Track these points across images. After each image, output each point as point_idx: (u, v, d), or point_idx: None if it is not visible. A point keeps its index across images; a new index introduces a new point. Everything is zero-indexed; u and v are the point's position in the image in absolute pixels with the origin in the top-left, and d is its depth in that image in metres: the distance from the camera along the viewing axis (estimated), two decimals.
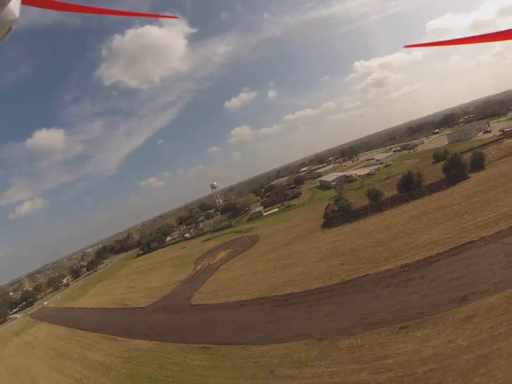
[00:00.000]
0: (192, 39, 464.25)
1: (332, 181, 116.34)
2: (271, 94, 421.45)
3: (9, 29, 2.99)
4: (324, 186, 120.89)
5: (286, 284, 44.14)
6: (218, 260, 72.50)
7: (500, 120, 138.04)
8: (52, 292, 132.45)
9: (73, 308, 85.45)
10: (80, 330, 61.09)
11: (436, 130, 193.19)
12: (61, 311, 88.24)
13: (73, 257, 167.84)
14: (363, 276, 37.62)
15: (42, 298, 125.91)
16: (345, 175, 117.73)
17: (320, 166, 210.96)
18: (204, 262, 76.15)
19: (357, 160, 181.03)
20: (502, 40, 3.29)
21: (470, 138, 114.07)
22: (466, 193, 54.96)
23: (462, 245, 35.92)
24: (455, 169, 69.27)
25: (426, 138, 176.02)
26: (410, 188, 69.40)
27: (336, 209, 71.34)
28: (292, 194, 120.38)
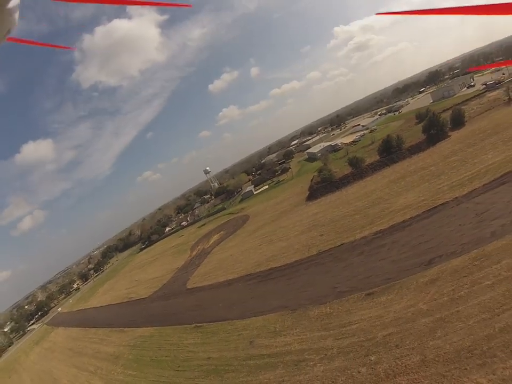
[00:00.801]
0: (165, 26, 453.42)
1: (318, 152, 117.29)
2: (254, 70, 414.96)
3: (8, 31, 2.96)
4: (311, 158, 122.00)
5: (269, 259, 46.61)
6: (211, 243, 75.45)
7: (484, 73, 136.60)
8: (64, 298, 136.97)
9: (84, 309, 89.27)
10: (92, 328, 64.70)
11: (422, 89, 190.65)
12: (74, 314, 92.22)
13: (81, 262, 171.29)
14: (339, 245, 39.26)
15: (56, 305, 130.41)
16: (330, 145, 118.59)
17: (309, 137, 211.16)
18: (199, 247, 79.24)
19: (344, 128, 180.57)
20: (487, 14, 2.78)
21: (454, 95, 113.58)
22: (445, 152, 55.66)
23: (435, 207, 36.79)
24: (434, 129, 69.29)
25: (412, 98, 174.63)
26: (391, 151, 69.58)
27: (319, 180, 73.34)
28: (280, 170, 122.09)
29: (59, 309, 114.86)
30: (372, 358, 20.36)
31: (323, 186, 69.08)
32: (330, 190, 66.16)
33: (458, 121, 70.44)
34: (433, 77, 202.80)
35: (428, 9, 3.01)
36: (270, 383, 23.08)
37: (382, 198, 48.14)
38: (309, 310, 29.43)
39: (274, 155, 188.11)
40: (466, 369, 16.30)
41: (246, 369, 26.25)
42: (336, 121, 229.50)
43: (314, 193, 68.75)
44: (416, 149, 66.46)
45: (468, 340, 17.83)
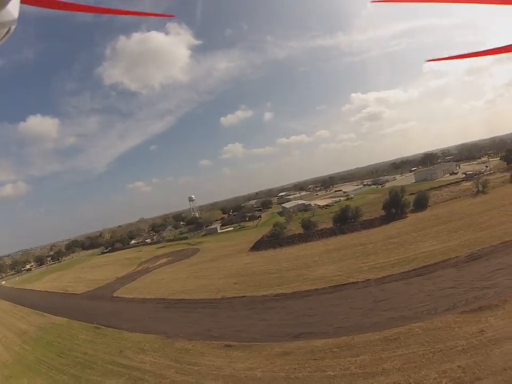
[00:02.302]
0: (196, 51, 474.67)
1: (290, 208, 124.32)
2: (267, 115, 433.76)
3: (8, 30, 2.93)
4: (283, 212, 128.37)
5: (184, 291, 51.78)
6: (157, 264, 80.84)
7: (471, 163, 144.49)
8: (14, 274, 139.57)
9: (24, 289, 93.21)
10: (20, 306, 68.86)
11: (413, 168, 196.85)
12: (14, 290, 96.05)
13: (46, 247, 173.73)
14: (241, 296, 43.03)
15: (2, 278, 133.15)
16: (303, 204, 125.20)
17: (296, 193, 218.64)
18: (145, 264, 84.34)
19: (330, 191, 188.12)
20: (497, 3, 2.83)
21: (436, 178, 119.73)
22: (391, 233, 59.74)
23: (344, 284, 38.89)
24: (395, 208, 73.90)
25: (400, 175, 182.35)
26: (346, 221, 73.57)
27: (269, 234, 79.33)
28: (248, 216, 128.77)
29: (3, 282, 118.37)
30: None
31: (269, 240, 74.72)
32: (272, 246, 71.33)
33: (421, 204, 74.75)
34: (427, 159, 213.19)
35: (480, 51, 3.09)
36: None
37: (306, 264, 51.91)
38: (177, 342, 33.43)
39: (254, 201, 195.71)
40: None
41: (103, 370, 30.86)
42: (328, 182, 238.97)
43: (258, 245, 74.20)
44: (369, 224, 70.35)
45: None
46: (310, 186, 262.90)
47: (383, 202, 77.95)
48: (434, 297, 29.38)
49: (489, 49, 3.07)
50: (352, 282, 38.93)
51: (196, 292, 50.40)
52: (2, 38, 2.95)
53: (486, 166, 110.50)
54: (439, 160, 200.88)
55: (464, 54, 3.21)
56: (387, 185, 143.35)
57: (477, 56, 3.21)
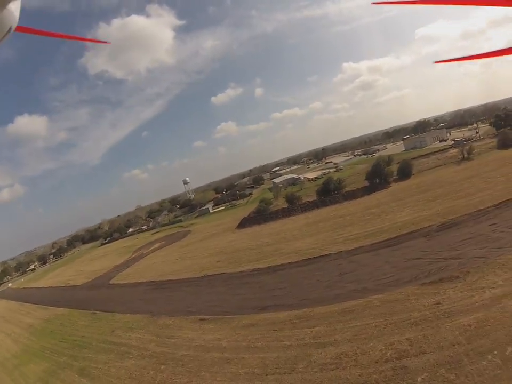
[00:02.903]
0: (180, 31, 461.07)
1: (279, 183, 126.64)
2: (258, 91, 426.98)
3: (9, 30, 3.01)
4: (273, 188, 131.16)
5: (172, 272, 55.58)
6: (150, 249, 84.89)
7: (462, 130, 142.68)
8: (19, 275, 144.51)
9: (30, 287, 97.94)
10: (25, 303, 73.29)
11: (406, 137, 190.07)
12: (20, 290, 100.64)
13: (48, 245, 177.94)
14: (221, 273, 46.21)
15: (8, 281, 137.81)
16: (293, 178, 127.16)
17: (290, 167, 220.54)
18: (140, 251, 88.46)
19: (322, 163, 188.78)
20: (498, 5, 2.84)
21: (425, 146, 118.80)
22: (371, 203, 60.88)
23: (316, 257, 40.47)
24: (378, 178, 74.83)
25: (392, 144, 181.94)
26: (329, 194, 74.92)
27: (255, 211, 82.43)
28: (240, 194, 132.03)
29: (9, 285, 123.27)
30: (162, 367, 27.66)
31: (254, 217, 77.86)
32: (257, 222, 74.39)
33: (405, 173, 75.04)
34: (420, 126, 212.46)
35: (475, 55, 3.09)
36: (102, 362, 31.11)
37: (285, 239, 54.57)
38: (160, 319, 37.04)
39: (246, 179, 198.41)
40: None
41: (96, 348, 34.79)
42: (320, 154, 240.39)
43: (244, 223, 77.37)
44: (352, 195, 71.41)
45: None
46: (303, 159, 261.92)
47: (366, 173, 79.31)
48: (399, 269, 30.43)
49: (501, 50, 2.98)
50: (325, 255, 40.48)
51: (182, 272, 54.15)
52: (3, 38, 3.02)
53: (476, 132, 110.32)
54: (432, 128, 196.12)
55: (473, 56, 3.14)
56: (377, 154, 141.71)
57: (486, 57, 3.12)
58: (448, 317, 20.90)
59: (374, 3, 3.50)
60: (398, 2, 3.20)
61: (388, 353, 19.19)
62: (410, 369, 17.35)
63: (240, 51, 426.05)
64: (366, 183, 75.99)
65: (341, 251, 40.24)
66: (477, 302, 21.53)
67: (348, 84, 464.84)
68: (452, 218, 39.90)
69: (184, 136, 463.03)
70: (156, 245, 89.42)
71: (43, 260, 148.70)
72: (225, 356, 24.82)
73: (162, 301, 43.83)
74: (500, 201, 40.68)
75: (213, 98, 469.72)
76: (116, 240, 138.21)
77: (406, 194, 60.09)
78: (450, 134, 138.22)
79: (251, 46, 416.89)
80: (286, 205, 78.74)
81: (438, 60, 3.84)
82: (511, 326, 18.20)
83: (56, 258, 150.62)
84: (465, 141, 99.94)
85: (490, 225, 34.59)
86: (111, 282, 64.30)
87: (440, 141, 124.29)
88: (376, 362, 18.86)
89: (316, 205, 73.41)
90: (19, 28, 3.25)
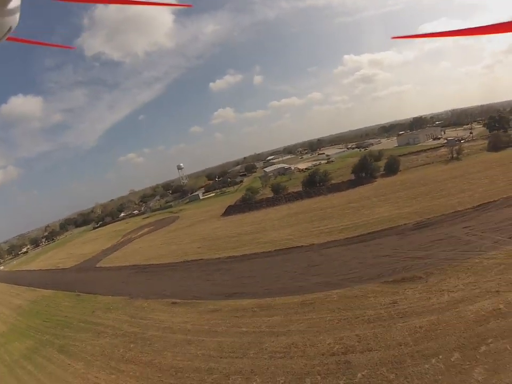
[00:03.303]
0: (180, 15, 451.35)
1: (270, 172, 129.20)
2: (257, 78, 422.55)
3: (9, 29, 3.02)
4: (264, 176, 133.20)
5: (155, 257, 57.59)
6: (139, 234, 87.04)
7: (457, 129, 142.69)
8: (11, 258, 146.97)
9: (21, 270, 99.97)
10: (15, 285, 75.48)
11: (401, 132, 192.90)
12: (11, 273, 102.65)
13: (40, 229, 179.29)
14: (199, 259, 48.42)
15: (0, 264, 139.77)
16: (283, 168, 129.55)
17: (284, 156, 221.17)
18: (129, 235, 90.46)
19: (316, 154, 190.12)
20: (499, 32, 3.14)
21: (418, 143, 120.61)
22: (353, 197, 62.15)
23: (289, 248, 42.28)
24: (364, 172, 75.67)
25: (387, 139, 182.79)
26: (314, 185, 76.37)
27: (240, 199, 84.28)
28: (231, 181, 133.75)
29: (1, 267, 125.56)
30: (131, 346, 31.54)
31: (239, 205, 79.64)
32: (242, 210, 76.24)
33: (392, 168, 76.04)
34: (416, 123, 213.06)
35: (448, 31, 3.14)
36: (80, 340, 33.22)
37: (264, 228, 56.44)
38: (137, 301, 39.30)
39: (239, 167, 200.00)
40: None
41: (76, 328, 37.01)
42: (315, 145, 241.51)
43: (229, 210, 79.29)
44: (336, 188, 72.73)
45: None
46: (298, 149, 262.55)
47: (353, 166, 79.94)
48: (365, 265, 31.22)
49: (458, 30, 3.04)
50: (298, 247, 42.04)
51: (164, 257, 56.30)
52: (3, 37, 3.05)
53: (470, 133, 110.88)
54: (428, 125, 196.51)
55: (434, 33, 3.16)
56: (370, 148, 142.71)
57: (446, 36, 3.21)
58: (402, 317, 21.54)
59: (393, 37, 3.73)
60: (416, 36, 3.41)
61: (335, 347, 20.22)
62: (353, 365, 18.29)
63: (241, 37, 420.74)
64: (353, 177, 77.19)
65: (314, 244, 41.67)
66: (433, 305, 22.07)
67: (348, 76, 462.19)
68: (429, 218, 40.70)
69: (181, 121, 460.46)
70: (145, 230, 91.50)
71: (35, 243, 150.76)
72: (188, 338, 26.93)
73: (142, 284, 45.91)
74: (479, 203, 41.39)
75: (211, 84, 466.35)
76: (108, 224, 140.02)
77: (389, 190, 61.30)
78: (444, 133, 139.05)
79: (252, 33, 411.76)
80: (272, 195, 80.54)
81: (395, 36, 3.89)
82: (462, 332, 18.61)
83: (48, 241, 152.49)
84: (457, 140, 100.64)
85: (464, 227, 35.10)
86: (97, 265, 66.46)
87: (434, 139, 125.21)
88: (322, 354, 19.98)
89: (300, 195, 74.85)
90: (14, 38, 3.27)
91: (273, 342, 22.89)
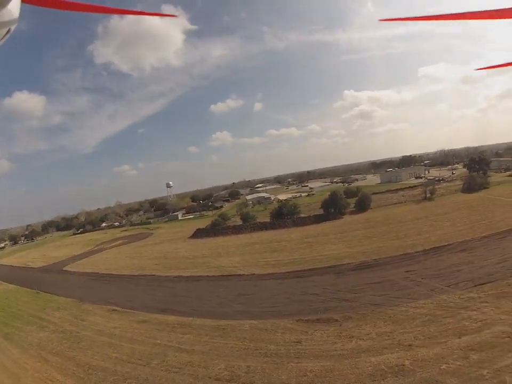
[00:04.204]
0: (191, 35, 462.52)
1: (249, 200, 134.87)
2: (258, 105, 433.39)
3: (8, 30, 3.04)
4: (244, 204, 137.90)
5: (116, 268, 62.02)
6: (111, 245, 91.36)
7: (442, 168, 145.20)
8: None
9: None
10: None
11: (389, 169, 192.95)
12: None
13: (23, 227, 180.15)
14: (151, 275, 53.33)
15: None
16: (263, 197, 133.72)
17: (271, 186, 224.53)
18: (102, 245, 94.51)
19: (302, 186, 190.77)
20: (497, 18, 3.05)
21: (400, 181, 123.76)
22: (313, 232, 65.38)
23: (231, 275, 46.31)
24: (333, 208, 78.29)
25: (373, 175, 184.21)
26: (281, 217, 79.26)
27: (210, 224, 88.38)
28: (210, 206, 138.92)
29: None
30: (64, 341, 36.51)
31: (207, 230, 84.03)
32: (208, 235, 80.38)
33: (362, 206, 78.77)
34: (405, 161, 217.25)
35: (444, 15, 3.07)
36: (25, 331, 37.11)
37: (219, 254, 60.50)
38: (84, 304, 43.31)
39: (225, 191, 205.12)
40: None
41: (25, 321, 40.96)
42: (304, 177, 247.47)
43: (197, 233, 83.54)
44: (302, 222, 75.83)
45: None
46: (288, 180, 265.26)
47: (322, 201, 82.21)
48: (291, 301, 32.96)
49: (456, 14, 3.00)
50: (239, 275, 45.57)
51: (123, 269, 60.83)
52: (2, 38, 3.09)
53: (453, 173, 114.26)
54: (417, 164, 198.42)
55: (430, 16, 3.15)
56: (355, 184, 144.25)
57: (442, 19, 3.14)
58: (298, 357, 22.17)
59: (381, 20, 3.72)
60: (403, 19, 3.43)
61: (223, 373, 21.79)
62: None
63: (247, 64, 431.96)
64: (322, 212, 79.48)
65: (254, 274, 44.91)
66: (335, 350, 22.50)
67: (347, 110, 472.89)
68: (375, 259, 41.77)
69: (179, 139, 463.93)
70: (118, 242, 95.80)
71: (14, 240, 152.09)
72: (111, 341, 30.96)
73: (94, 290, 50.54)
74: (432, 247, 42.67)
75: (212, 106, 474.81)
76: (88, 232, 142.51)
77: (351, 227, 63.96)
78: (428, 172, 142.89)
79: (259, 61, 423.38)
80: (240, 223, 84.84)
81: (383, 19, 3.84)
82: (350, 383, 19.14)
83: (27, 240, 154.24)
84: (436, 180, 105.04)
85: (406, 271, 35.68)
86: (63, 268, 70.62)
87: (416, 178, 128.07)
88: (209, 377, 21.81)
89: (265, 226, 78.59)
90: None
91: (175, 357, 25.54)
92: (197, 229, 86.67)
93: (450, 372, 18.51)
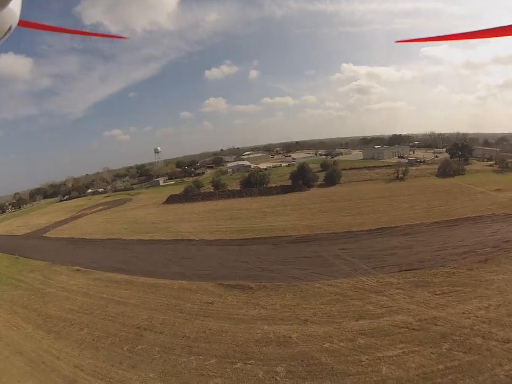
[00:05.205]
0: None
1: (230, 167, 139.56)
2: (253, 73, 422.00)
3: (9, 29, 3.12)
4: (225, 171, 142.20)
5: (89, 233, 67.54)
6: (91, 211, 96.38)
7: (428, 151, 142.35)
8: None
9: None
10: None
11: (377, 147, 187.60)
12: None
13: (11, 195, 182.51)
14: (118, 239, 59.07)
15: None
16: (243, 165, 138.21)
17: (256, 154, 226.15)
18: (83, 211, 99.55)
19: (285, 156, 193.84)
20: (500, 36, 3.23)
21: (382, 159, 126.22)
22: (274, 202, 69.52)
23: (183, 239, 51.59)
24: (301, 180, 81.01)
25: (359, 150, 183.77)
26: (250, 186, 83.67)
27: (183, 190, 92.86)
28: (195, 172, 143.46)
29: None
30: (32, 297, 42.84)
31: (180, 196, 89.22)
32: (180, 201, 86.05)
33: (331, 180, 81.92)
34: (395, 140, 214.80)
35: (452, 35, 3.22)
36: (1, 290, 43.09)
37: (181, 219, 66.34)
38: (54, 266, 49.13)
39: (210, 158, 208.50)
40: None
41: (3, 282, 46.43)
42: (292, 147, 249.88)
43: (170, 199, 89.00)
44: (268, 191, 79.97)
45: None
46: (277, 149, 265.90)
47: (289, 173, 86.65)
48: (224, 266, 37.50)
49: (463, 33, 3.14)
50: (190, 239, 50.83)
51: (95, 234, 66.38)
52: (3, 36, 3.19)
53: (436, 156, 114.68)
54: (406, 143, 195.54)
55: (437, 37, 3.25)
56: (339, 157, 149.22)
57: (450, 39, 3.32)
58: (205, 316, 26.79)
59: (397, 41, 3.99)
60: (419, 40, 3.54)
61: (143, 323, 27.39)
62: (145, 338, 25.09)
63: (244, 30, 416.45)
64: (290, 183, 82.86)
65: (203, 239, 49.74)
66: (237, 315, 26.05)
67: (344, 84, 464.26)
68: (317, 234, 44.32)
69: (172, 104, 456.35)
70: (99, 208, 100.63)
71: (2, 208, 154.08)
72: (69, 296, 37.06)
73: (66, 254, 56.20)
74: (380, 227, 44.02)
75: (206, 72, 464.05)
76: (73, 198, 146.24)
77: (311, 200, 66.93)
78: (413, 152, 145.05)
79: (256, 27, 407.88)
80: (212, 190, 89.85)
81: (399, 40, 4.03)
82: (237, 344, 22.20)
83: (15, 209, 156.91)
84: (417, 161, 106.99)
85: (340, 249, 37.38)
86: (44, 235, 76.05)
87: (399, 157, 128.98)
88: (132, 325, 27.27)
89: (233, 194, 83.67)
90: (21, 23, 3.32)
91: (113, 308, 31.19)
92: (170, 195, 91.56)
93: (330, 351, 20.13)
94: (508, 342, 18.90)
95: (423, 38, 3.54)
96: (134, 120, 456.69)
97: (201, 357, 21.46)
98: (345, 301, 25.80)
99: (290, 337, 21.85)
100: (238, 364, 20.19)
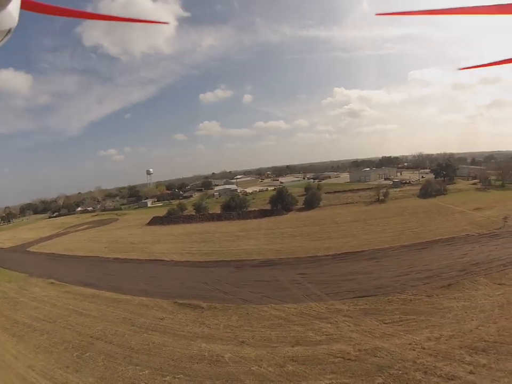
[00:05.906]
0: (184, 23, 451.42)
1: (217, 191, 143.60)
2: (247, 97, 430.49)
3: (8, 31, 3.09)
4: (212, 195, 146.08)
5: (71, 250, 70.04)
6: (77, 229, 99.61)
7: (414, 172, 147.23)
8: None
9: None
10: None
11: (366, 169, 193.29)
12: None
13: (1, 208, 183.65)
14: (95, 256, 61.43)
15: None
16: (229, 189, 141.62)
17: (245, 178, 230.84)
18: (69, 229, 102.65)
19: (273, 180, 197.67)
20: (495, 14, 3.16)
21: (368, 181, 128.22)
22: (249, 226, 71.10)
23: (156, 259, 53.62)
24: (280, 204, 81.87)
25: (348, 173, 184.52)
26: (230, 209, 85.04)
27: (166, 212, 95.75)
28: (182, 195, 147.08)
29: None
30: (5, 305, 45.82)
31: (162, 218, 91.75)
32: (162, 223, 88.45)
33: (310, 204, 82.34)
34: (384, 162, 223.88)
35: (441, 9, 3.15)
36: None
37: (160, 241, 68.22)
38: (31, 278, 51.59)
39: (199, 182, 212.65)
40: None
41: None
42: (282, 171, 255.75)
43: (153, 221, 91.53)
44: (246, 215, 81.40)
45: None
46: (268, 173, 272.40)
47: (269, 197, 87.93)
48: (183, 285, 39.21)
49: (453, 8, 3.09)
50: (161, 260, 53.28)
51: (76, 251, 69.11)
52: (3, 39, 3.17)
53: (422, 177, 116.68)
54: (395, 165, 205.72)
55: (421, 11, 3.25)
56: (327, 181, 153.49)
57: (437, 13, 3.27)
58: (153, 330, 28.35)
59: (378, 14, 3.79)
60: (400, 13, 3.51)
61: (98, 333, 29.30)
62: (95, 347, 28.17)
63: (239, 55, 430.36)
64: (269, 207, 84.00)
65: (173, 260, 52.19)
66: (182, 331, 27.52)
67: (335, 108, 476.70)
68: (281, 258, 45.25)
69: (167, 127, 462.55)
70: (84, 226, 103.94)
71: None
72: (37, 305, 39.47)
73: (45, 268, 58.63)
74: (344, 251, 44.30)
75: (201, 95, 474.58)
76: (62, 216, 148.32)
77: (285, 225, 68.50)
78: (400, 174, 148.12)
79: (251, 53, 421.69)
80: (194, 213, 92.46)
81: (380, 13, 3.95)
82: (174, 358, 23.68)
83: (4, 222, 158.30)
84: (402, 183, 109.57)
85: (299, 273, 37.64)
86: (27, 249, 78.62)
87: (385, 179, 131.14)
88: (87, 335, 29.20)
89: (213, 218, 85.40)
90: (25, 4, 3.15)
91: (75, 318, 33.52)
92: (153, 217, 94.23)
93: (256, 374, 20.24)
94: (452, 379, 17.52)
95: (404, 12, 3.56)
96: (129, 141, 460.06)
97: (138, 367, 22.98)
98: (287, 325, 25.93)
99: (223, 356, 22.48)
100: (168, 377, 21.30)
